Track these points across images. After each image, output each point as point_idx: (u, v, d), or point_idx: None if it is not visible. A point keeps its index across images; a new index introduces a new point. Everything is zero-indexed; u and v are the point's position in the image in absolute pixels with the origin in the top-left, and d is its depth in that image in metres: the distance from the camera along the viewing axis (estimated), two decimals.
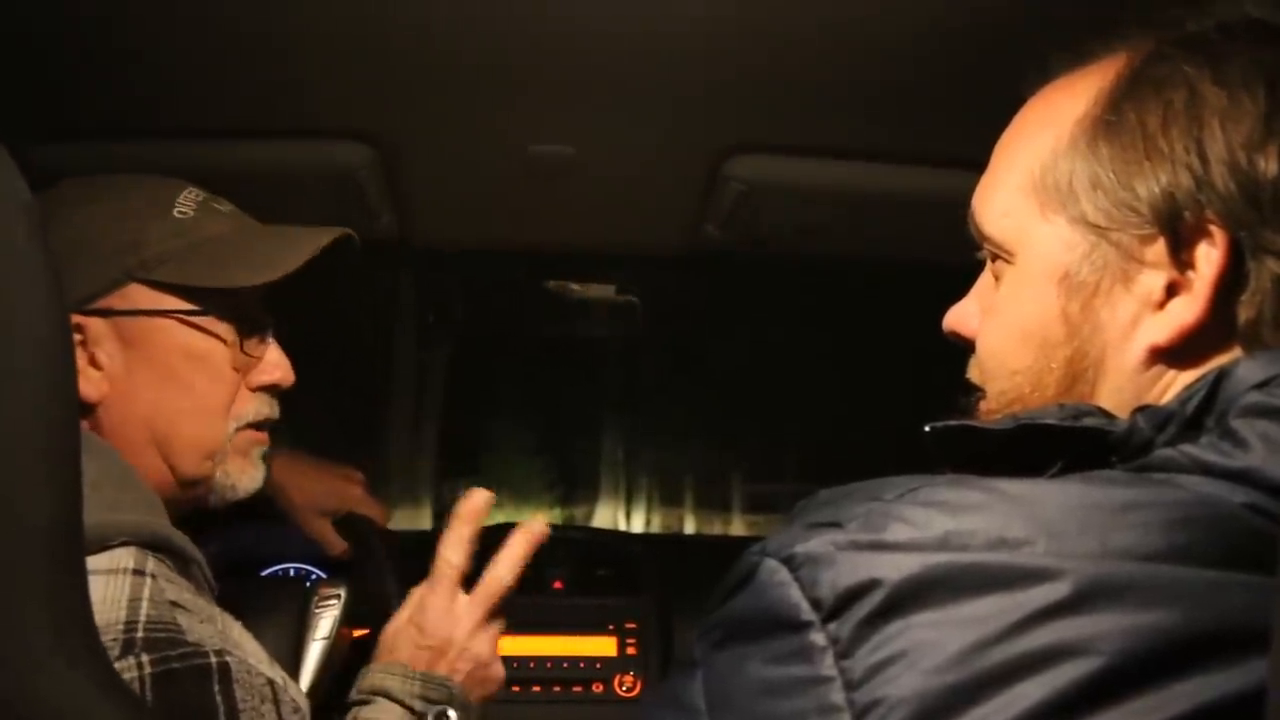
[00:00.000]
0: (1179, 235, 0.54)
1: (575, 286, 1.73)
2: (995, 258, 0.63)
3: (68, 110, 1.07)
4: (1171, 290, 0.54)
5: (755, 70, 1.01)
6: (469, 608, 0.98)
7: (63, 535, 0.51)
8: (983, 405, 0.64)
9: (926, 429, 0.57)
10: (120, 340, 0.87)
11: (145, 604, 0.73)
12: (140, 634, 0.71)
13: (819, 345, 2.00)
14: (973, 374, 0.66)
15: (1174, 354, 0.55)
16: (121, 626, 0.71)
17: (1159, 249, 0.54)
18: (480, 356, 2.05)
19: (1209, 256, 0.53)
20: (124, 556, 0.75)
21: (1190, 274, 0.54)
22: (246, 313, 0.93)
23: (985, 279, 0.66)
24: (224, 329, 0.91)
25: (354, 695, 0.94)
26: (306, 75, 1.02)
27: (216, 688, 0.72)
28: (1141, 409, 0.52)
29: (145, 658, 0.69)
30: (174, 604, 0.75)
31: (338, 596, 1.15)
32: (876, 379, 1.93)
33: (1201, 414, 0.50)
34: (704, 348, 2.07)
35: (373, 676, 0.94)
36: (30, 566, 0.49)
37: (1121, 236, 0.55)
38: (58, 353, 0.51)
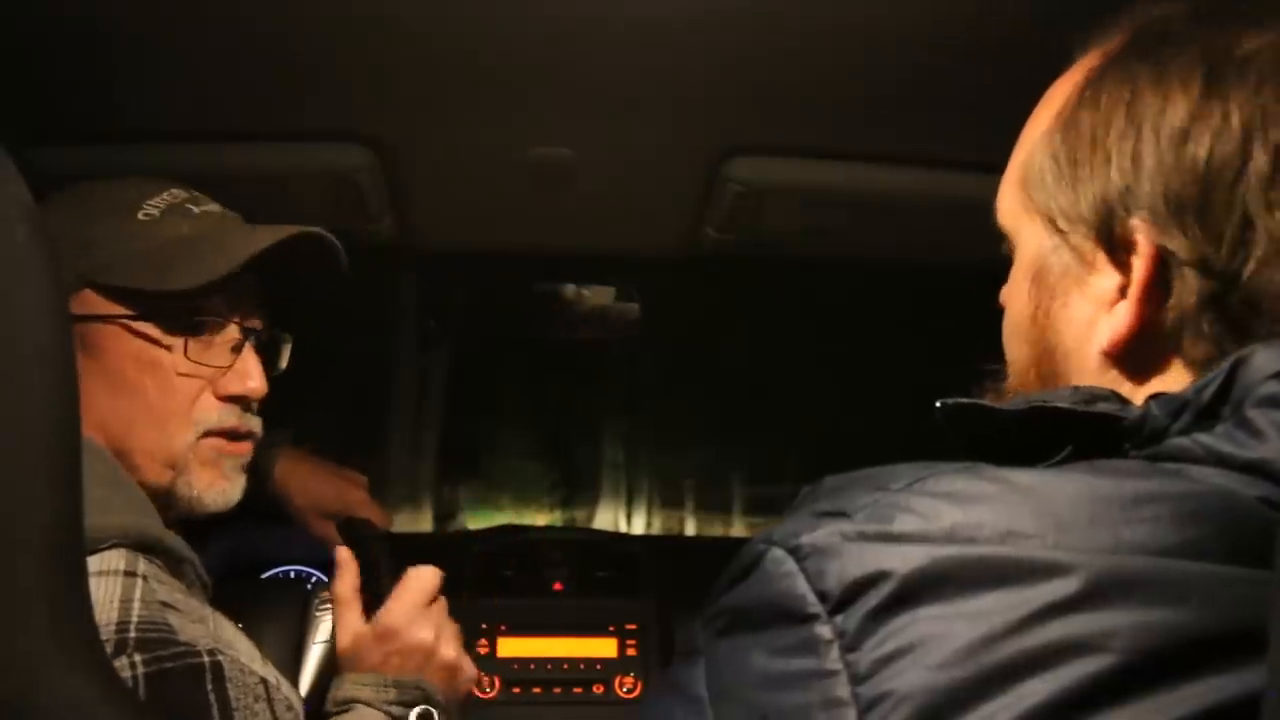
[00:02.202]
0: (1114, 242, 0.54)
1: (575, 289, 1.72)
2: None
3: (68, 113, 1.07)
4: (1120, 295, 0.55)
5: (754, 72, 1.01)
6: (431, 613, 1.00)
7: (64, 536, 0.51)
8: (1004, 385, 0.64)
9: (938, 404, 0.57)
10: (77, 346, 0.86)
11: (137, 604, 0.73)
12: (133, 634, 0.71)
13: (819, 347, 1.99)
14: None
15: (1120, 360, 0.55)
16: (114, 627, 0.71)
17: (1102, 255, 0.55)
18: (480, 359, 2.04)
19: (1137, 265, 0.53)
20: (114, 558, 0.75)
21: (1127, 281, 0.54)
22: (203, 317, 0.90)
23: None
24: (169, 335, 0.89)
25: (328, 707, 0.93)
26: (305, 78, 1.02)
27: (210, 686, 0.72)
28: (1155, 396, 0.51)
29: (138, 657, 0.70)
30: (165, 604, 0.75)
31: None
32: (877, 381, 1.93)
33: (1217, 402, 0.49)
34: (704, 350, 2.07)
35: (346, 688, 0.94)
36: (31, 568, 0.49)
37: (1076, 240, 0.56)
38: (59, 353, 0.51)
